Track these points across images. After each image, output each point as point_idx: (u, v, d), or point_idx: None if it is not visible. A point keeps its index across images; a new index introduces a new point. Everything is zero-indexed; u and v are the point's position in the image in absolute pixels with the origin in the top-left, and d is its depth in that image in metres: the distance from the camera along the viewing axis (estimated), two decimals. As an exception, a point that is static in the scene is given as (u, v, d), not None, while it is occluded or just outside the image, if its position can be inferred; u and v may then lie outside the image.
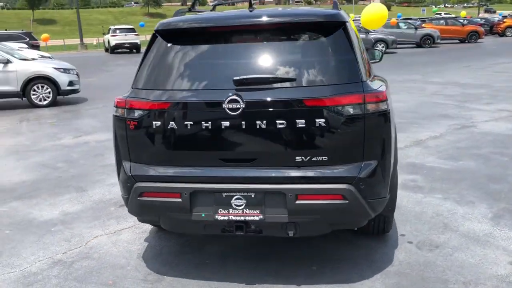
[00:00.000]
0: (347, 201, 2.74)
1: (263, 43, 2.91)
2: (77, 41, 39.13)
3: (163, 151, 2.90)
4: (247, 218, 2.82)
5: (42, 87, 10.89)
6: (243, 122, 2.73)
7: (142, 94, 2.92)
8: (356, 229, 3.49)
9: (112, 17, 79.61)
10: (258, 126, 2.73)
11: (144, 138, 2.91)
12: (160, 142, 2.89)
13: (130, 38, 29.99)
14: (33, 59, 12.14)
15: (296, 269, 3.21)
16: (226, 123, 2.75)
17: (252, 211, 2.81)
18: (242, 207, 2.81)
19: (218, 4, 4.41)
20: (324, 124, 2.70)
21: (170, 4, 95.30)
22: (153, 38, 3.07)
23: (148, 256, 3.50)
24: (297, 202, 2.74)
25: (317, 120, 2.69)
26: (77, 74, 11.51)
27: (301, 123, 2.70)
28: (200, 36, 3.00)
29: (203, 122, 2.78)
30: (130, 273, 3.26)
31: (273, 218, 2.80)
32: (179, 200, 2.85)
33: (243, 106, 2.71)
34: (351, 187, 2.73)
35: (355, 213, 2.83)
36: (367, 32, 21.91)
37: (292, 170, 2.77)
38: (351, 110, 2.71)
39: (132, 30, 30.71)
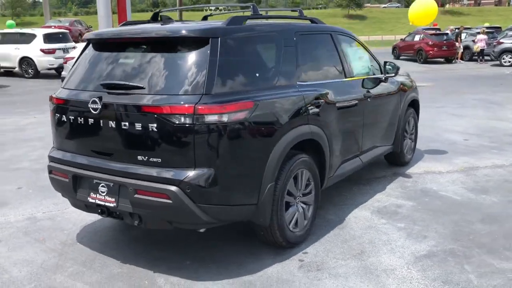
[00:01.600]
0: (171, 201, 2.99)
1: (138, 54, 3.33)
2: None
3: (61, 139, 3.57)
4: (106, 204, 3.29)
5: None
6: (101, 121, 3.22)
7: (59, 91, 3.62)
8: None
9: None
10: (110, 126, 3.17)
11: (54, 127, 3.62)
12: (59, 131, 3.56)
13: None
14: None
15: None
16: (91, 121, 3.27)
17: (110, 198, 3.27)
18: (105, 194, 3.29)
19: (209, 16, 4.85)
20: (156, 130, 3.00)
21: (371, 6, 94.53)
22: (86, 45, 3.75)
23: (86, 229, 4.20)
24: (136, 195, 3.11)
25: (150, 125, 3.01)
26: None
27: (140, 126, 3.05)
28: (101, 45, 3.57)
29: (79, 118, 3.34)
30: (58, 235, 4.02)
31: (122, 207, 3.22)
32: (67, 180, 3.48)
33: (100, 107, 3.19)
34: (177, 189, 2.97)
35: (182, 214, 3.05)
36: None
37: (135, 167, 3.14)
38: (181, 119, 2.95)
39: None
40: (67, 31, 19.84)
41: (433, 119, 8.72)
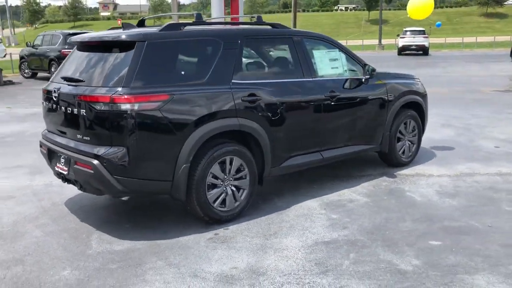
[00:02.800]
0: (93, 172, 3.77)
1: (91, 54, 4.15)
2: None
3: (45, 120, 4.56)
4: (63, 172, 4.18)
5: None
6: (59, 106, 4.11)
7: (47, 83, 4.62)
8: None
9: (445, 17, 78.03)
10: (63, 110, 4.06)
11: (43, 111, 4.63)
12: (44, 114, 4.55)
13: (418, 40, 30.02)
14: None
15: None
16: (54, 106, 4.19)
17: (65, 167, 4.15)
18: (63, 164, 4.19)
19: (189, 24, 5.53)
20: (85, 114, 3.81)
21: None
22: (74, 45, 4.71)
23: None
24: (75, 166, 3.95)
25: (82, 110, 3.82)
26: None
27: (76, 111, 3.89)
28: (77, 47, 4.48)
29: (50, 104, 4.29)
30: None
31: (70, 175, 4.08)
32: (45, 153, 4.46)
33: (57, 95, 4.09)
34: (97, 162, 3.74)
35: (102, 183, 3.81)
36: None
37: (76, 143, 3.99)
38: (101, 107, 3.71)
39: (422, 32, 30.59)
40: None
41: (484, 125, 8.42)
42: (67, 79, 4.14)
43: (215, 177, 4.17)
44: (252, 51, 4.58)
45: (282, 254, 3.68)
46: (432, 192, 5.09)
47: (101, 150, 3.76)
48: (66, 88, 4.09)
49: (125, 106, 3.69)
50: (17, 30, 79.29)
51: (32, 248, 3.84)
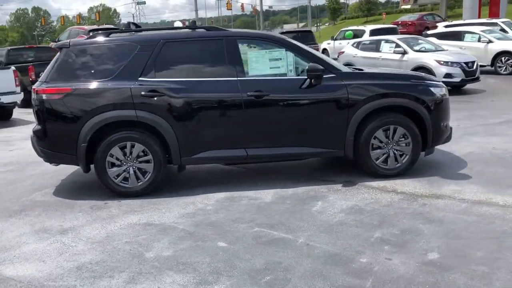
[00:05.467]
0: (31, 142, 5.28)
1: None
2: None
3: None
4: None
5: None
6: None
7: None
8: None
9: None
10: None
11: None
12: None
13: None
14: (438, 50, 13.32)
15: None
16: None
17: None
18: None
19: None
20: (33, 101, 5.31)
21: None
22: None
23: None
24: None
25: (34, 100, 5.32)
26: (461, 68, 12.01)
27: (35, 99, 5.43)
28: None
29: None
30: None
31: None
32: None
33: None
34: (31, 135, 5.25)
35: (36, 151, 5.27)
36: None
37: None
38: (34, 96, 5.16)
39: None
40: (394, 26, 21.40)
41: None
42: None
43: (117, 158, 5.08)
44: (172, 53, 5.16)
45: (118, 222, 4.43)
46: (345, 204, 4.62)
47: (35, 127, 5.25)
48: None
49: (40, 96, 5.06)
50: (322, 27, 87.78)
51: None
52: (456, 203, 4.55)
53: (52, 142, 5.17)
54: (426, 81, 5.51)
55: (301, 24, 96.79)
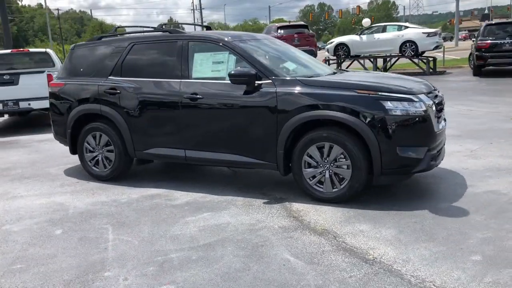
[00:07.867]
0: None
1: None
2: None
3: None
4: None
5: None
6: None
7: None
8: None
9: None
10: None
11: None
12: None
13: None
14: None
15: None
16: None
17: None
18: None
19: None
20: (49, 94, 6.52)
21: None
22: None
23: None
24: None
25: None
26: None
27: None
28: None
29: None
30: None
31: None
32: None
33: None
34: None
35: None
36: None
37: None
38: (49, 89, 6.39)
39: None
40: None
41: None
42: None
43: (89, 144, 5.88)
44: (136, 54, 5.48)
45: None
46: (244, 220, 4.30)
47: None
48: None
49: (50, 88, 6.25)
50: None
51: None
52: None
53: (56, 127, 6.31)
54: (383, 93, 4.41)
55: None
